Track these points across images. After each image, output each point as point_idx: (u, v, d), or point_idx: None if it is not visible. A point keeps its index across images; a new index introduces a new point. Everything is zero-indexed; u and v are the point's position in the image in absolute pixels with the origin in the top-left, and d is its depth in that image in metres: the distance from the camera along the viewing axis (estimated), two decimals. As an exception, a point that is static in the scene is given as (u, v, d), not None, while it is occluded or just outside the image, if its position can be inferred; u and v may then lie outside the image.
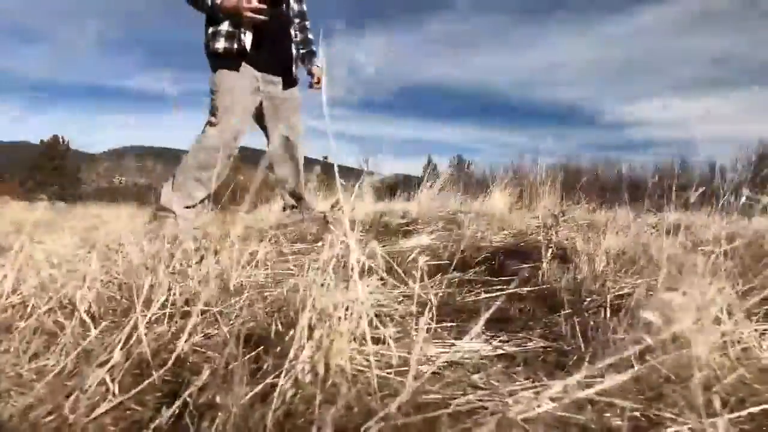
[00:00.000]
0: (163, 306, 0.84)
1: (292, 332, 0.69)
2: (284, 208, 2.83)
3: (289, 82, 2.55)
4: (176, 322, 0.83)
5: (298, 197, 2.76)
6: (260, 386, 0.54)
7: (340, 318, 0.61)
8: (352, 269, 0.62)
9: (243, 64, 2.27)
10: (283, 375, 0.54)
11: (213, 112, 2.28)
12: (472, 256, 1.98)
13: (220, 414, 0.50)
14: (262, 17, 2.16)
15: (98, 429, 0.55)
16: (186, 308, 0.88)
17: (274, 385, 0.54)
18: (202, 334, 0.86)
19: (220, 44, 2.21)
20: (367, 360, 0.60)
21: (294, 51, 2.55)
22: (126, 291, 0.95)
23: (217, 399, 0.50)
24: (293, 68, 2.54)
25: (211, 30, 2.26)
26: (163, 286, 0.87)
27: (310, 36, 2.67)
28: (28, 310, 0.85)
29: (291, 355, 0.56)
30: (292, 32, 2.53)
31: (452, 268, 1.56)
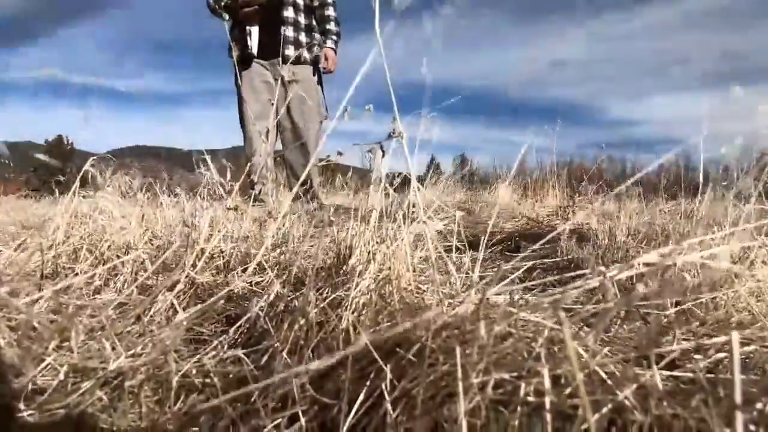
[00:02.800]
0: (212, 255, 0.87)
1: (344, 267, 0.72)
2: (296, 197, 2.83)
3: (292, 62, 2.53)
4: (225, 270, 0.86)
5: (304, 185, 2.65)
6: (331, 297, 0.57)
7: (398, 245, 0.64)
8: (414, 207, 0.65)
9: (254, 61, 2.53)
10: (353, 287, 0.56)
11: (239, 107, 2.56)
12: (486, 240, 2.01)
13: (299, 318, 0.52)
14: (254, 7, 2.38)
15: (176, 339, 0.57)
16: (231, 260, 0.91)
17: (344, 298, 0.56)
18: (248, 283, 0.89)
19: (235, 52, 2.55)
20: (424, 283, 0.63)
21: (291, 33, 2.53)
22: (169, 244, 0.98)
23: (295, 303, 0.53)
24: (288, 49, 2.52)
25: (229, 37, 2.57)
26: (205, 237, 0.90)
27: (327, 13, 2.64)
28: (81, 256, 0.88)
29: (358, 269, 0.59)
30: (288, 14, 2.52)
31: (468, 248, 1.59)
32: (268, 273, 0.83)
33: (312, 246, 1.24)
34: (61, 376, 0.47)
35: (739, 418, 0.24)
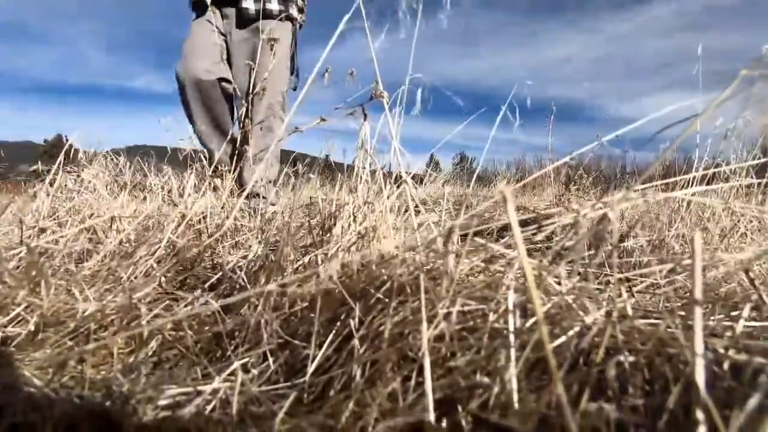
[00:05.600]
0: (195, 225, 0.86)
1: (329, 235, 0.71)
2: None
3: (243, 16, 1.85)
4: (206, 234, 0.86)
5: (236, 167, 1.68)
6: (312, 255, 0.56)
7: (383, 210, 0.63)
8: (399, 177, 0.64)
9: (209, 9, 1.87)
10: (332, 246, 0.56)
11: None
12: (482, 230, 2.02)
13: (273, 276, 0.52)
14: None
15: (147, 285, 0.57)
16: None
17: (324, 257, 0.56)
18: (236, 255, 0.88)
19: None
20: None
21: None
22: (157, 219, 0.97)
23: (271, 257, 0.52)
24: (246, 1, 1.85)
25: None
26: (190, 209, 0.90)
27: None
28: (67, 228, 0.87)
29: (341, 226, 0.58)
30: None
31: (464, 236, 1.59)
32: (249, 241, 0.82)
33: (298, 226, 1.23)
34: (31, 327, 0.46)
35: (698, 313, 0.24)
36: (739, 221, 0.98)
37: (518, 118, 0.81)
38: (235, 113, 1.93)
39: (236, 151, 1.65)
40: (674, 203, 1.49)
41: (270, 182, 1.76)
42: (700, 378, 0.22)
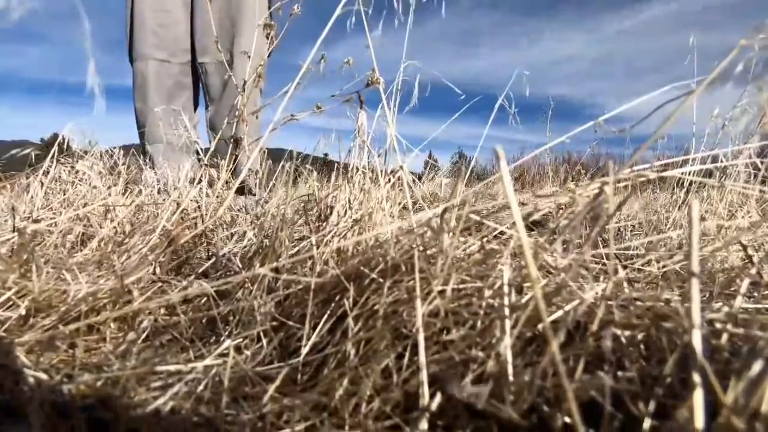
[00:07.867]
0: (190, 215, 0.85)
1: (325, 223, 0.71)
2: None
3: None
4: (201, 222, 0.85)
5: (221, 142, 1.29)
6: (308, 241, 0.55)
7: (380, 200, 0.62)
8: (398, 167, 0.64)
9: None
10: (329, 233, 0.55)
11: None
12: (478, 212, 2.03)
13: (267, 261, 0.51)
14: None
15: (138, 268, 0.56)
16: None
17: (319, 244, 0.55)
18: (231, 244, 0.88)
19: None
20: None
21: None
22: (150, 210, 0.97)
23: (266, 242, 0.52)
24: None
25: None
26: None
27: None
28: (60, 218, 0.86)
29: (334, 219, 0.58)
30: None
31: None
32: (246, 233, 0.81)
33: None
34: (22, 311, 0.46)
35: (695, 284, 0.23)
36: (736, 212, 0.99)
37: (514, 106, 0.80)
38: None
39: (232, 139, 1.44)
40: (671, 198, 1.49)
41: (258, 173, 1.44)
42: (697, 343, 0.22)
